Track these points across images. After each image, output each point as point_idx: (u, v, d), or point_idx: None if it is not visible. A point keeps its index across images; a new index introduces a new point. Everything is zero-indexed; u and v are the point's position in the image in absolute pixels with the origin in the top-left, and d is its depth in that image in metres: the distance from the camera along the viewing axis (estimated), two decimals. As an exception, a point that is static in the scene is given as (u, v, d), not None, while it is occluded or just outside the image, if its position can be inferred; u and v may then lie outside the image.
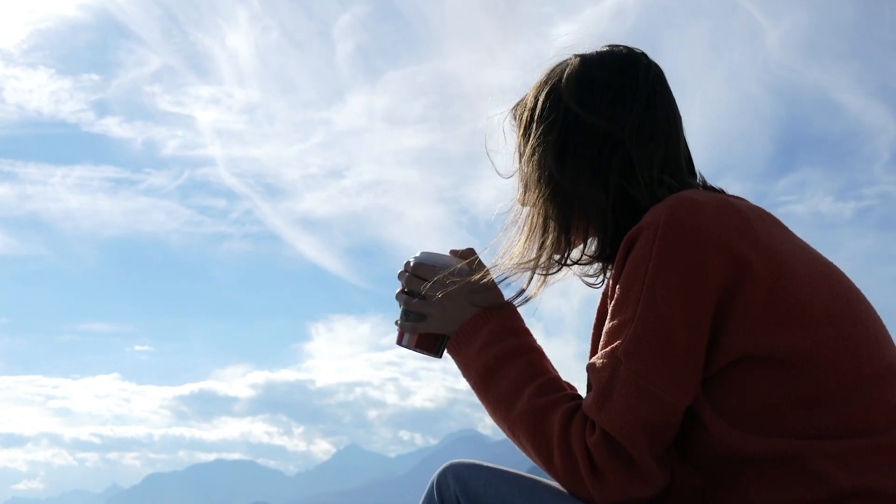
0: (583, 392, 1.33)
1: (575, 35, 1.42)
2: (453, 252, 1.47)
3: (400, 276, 1.49)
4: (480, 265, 1.44)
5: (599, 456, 1.22)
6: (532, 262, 1.39)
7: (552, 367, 1.40)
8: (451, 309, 1.43)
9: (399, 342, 1.49)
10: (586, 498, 1.26)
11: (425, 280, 1.44)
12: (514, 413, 1.32)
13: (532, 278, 1.41)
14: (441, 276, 1.43)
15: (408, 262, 1.48)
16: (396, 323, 1.49)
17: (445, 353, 1.47)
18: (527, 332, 1.43)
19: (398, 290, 1.49)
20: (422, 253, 1.47)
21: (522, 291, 1.44)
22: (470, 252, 1.47)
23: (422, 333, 1.46)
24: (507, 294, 1.46)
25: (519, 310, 1.45)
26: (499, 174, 1.48)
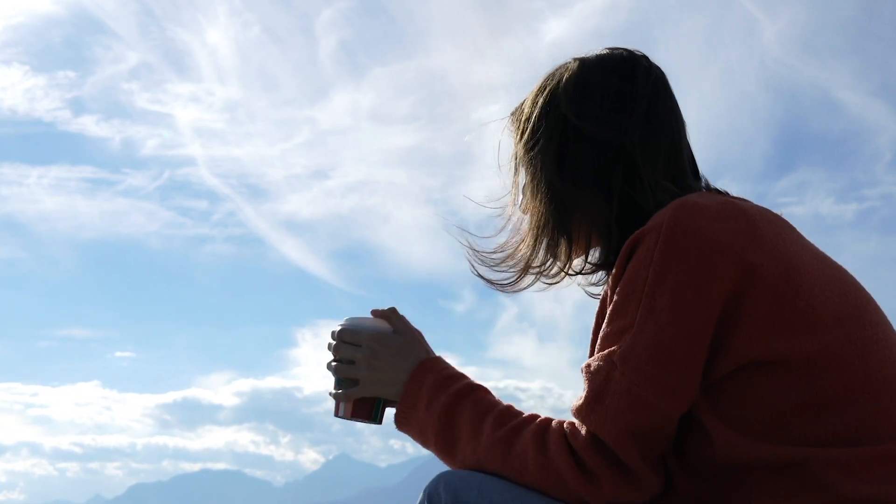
0: (544, 414, 1.33)
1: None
2: (374, 312, 1.48)
3: (329, 347, 1.49)
4: (403, 323, 1.46)
5: (591, 460, 1.20)
6: (526, 265, 1.39)
7: (498, 399, 1.39)
8: (381, 369, 1.42)
9: (336, 413, 1.50)
10: None
11: (353, 345, 1.44)
12: (480, 451, 1.31)
13: (525, 278, 1.41)
14: (368, 337, 1.44)
15: (333, 332, 1.49)
16: (331, 394, 1.49)
17: (390, 421, 1.46)
18: (463, 375, 1.41)
19: (328, 361, 1.49)
20: (346, 319, 1.49)
21: (512, 282, 1.43)
22: (393, 311, 1.47)
23: (357, 401, 1.47)
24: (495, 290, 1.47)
25: (518, 312, 1.51)
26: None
